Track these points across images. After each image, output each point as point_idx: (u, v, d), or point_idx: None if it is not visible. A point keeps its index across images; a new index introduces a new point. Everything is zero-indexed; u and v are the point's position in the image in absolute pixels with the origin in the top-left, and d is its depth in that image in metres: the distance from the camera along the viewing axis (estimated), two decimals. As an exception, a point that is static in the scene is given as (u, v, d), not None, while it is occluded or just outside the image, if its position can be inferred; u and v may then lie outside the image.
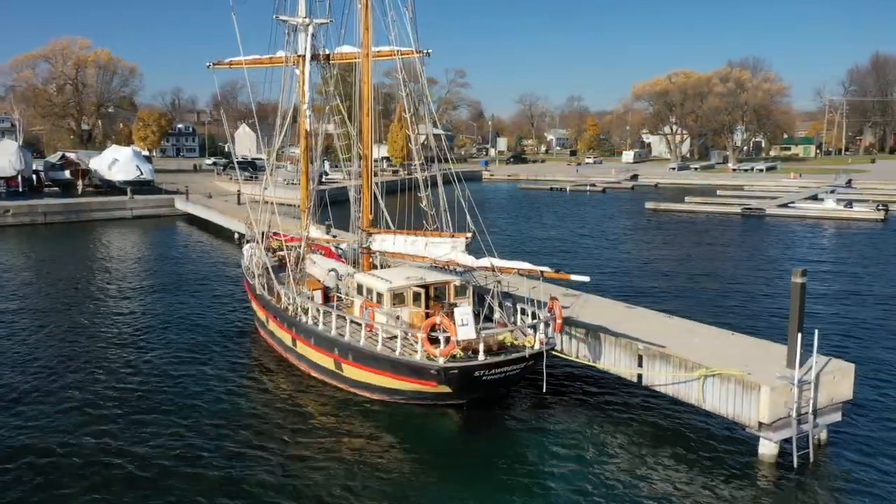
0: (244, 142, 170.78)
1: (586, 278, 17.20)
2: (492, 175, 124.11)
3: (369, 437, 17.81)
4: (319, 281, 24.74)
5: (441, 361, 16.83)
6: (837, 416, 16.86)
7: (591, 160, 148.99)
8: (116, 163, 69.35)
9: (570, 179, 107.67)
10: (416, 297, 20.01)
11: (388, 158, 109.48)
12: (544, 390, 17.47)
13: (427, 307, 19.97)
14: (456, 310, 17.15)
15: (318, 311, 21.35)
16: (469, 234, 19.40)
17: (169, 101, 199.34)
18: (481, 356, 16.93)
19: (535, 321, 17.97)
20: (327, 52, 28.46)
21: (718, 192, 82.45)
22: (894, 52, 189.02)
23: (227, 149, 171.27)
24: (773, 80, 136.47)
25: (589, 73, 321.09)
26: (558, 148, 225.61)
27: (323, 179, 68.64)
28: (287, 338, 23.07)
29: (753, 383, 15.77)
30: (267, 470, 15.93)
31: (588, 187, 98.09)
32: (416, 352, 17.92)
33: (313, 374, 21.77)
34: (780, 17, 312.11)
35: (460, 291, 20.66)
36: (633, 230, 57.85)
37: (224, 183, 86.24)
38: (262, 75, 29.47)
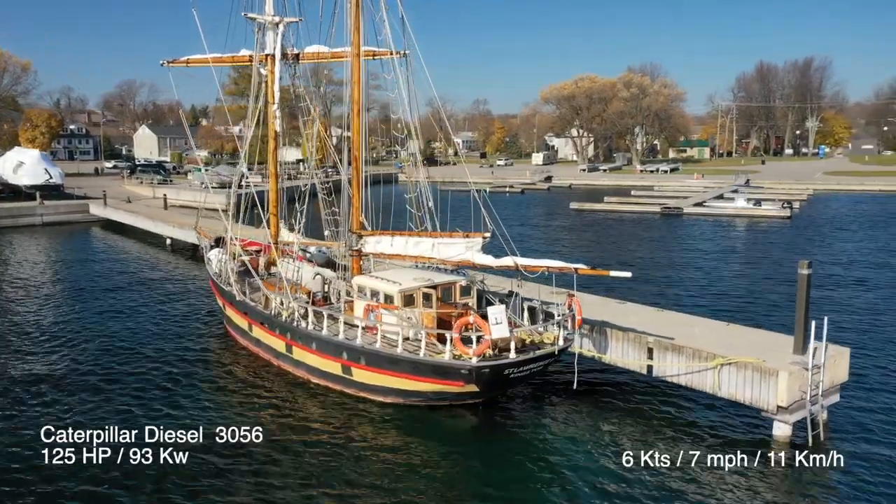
0: (144, 143, 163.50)
1: (628, 274, 17.43)
2: (409, 177, 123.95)
3: (387, 440, 17.62)
4: (303, 285, 24.21)
5: (474, 361, 16.89)
6: (837, 397, 18.16)
7: (502, 162, 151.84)
8: (22, 166, 64.57)
9: (487, 181, 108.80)
10: (426, 297, 19.93)
11: (302, 160, 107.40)
12: (575, 387, 17.90)
13: (436, 308, 19.92)
14: (489, 308, 17.23)
15: (320, 315, 20.82)
16: (487, 234, 19.41)
17: (55, 101, 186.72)
18: (512, 354, 17.12)
19: (558, 318, 18.22)
20: (296, 51, 27.88)
21: (633, 193, 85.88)
22: (776, 60, 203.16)
23: (125, 151, 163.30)
24: (671, 85, 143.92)
25: (493, 76, 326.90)
26: (465, 150, 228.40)
27: (242, 182, 66.67)
28: (280, 344, 22.36)
29: (771, 370, 16.74)
30: (283, 479, 15.51)
31: (507, 188, 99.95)
32: (434, 353, 17.91)
33: (314, 379, 21.20)
34: (676, 25, 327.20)
35: (465, 291, 20.75)
36: (568, 229, 59.57)
37: (135, 187, 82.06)
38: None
